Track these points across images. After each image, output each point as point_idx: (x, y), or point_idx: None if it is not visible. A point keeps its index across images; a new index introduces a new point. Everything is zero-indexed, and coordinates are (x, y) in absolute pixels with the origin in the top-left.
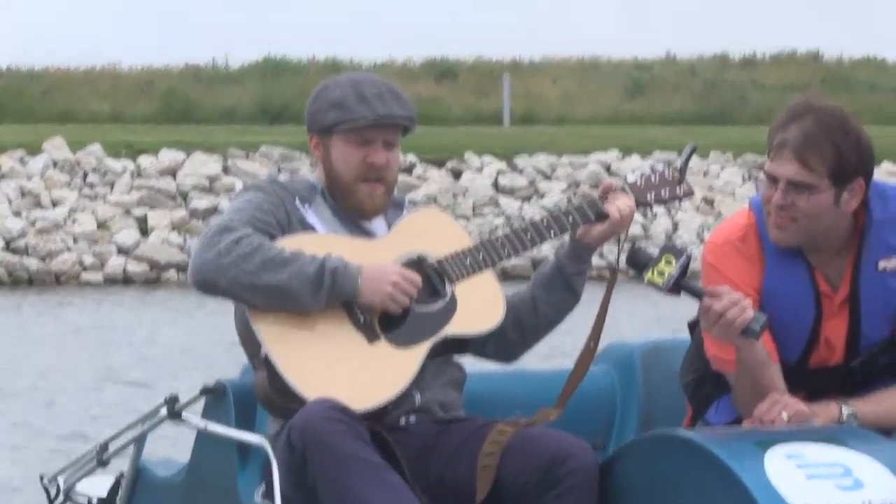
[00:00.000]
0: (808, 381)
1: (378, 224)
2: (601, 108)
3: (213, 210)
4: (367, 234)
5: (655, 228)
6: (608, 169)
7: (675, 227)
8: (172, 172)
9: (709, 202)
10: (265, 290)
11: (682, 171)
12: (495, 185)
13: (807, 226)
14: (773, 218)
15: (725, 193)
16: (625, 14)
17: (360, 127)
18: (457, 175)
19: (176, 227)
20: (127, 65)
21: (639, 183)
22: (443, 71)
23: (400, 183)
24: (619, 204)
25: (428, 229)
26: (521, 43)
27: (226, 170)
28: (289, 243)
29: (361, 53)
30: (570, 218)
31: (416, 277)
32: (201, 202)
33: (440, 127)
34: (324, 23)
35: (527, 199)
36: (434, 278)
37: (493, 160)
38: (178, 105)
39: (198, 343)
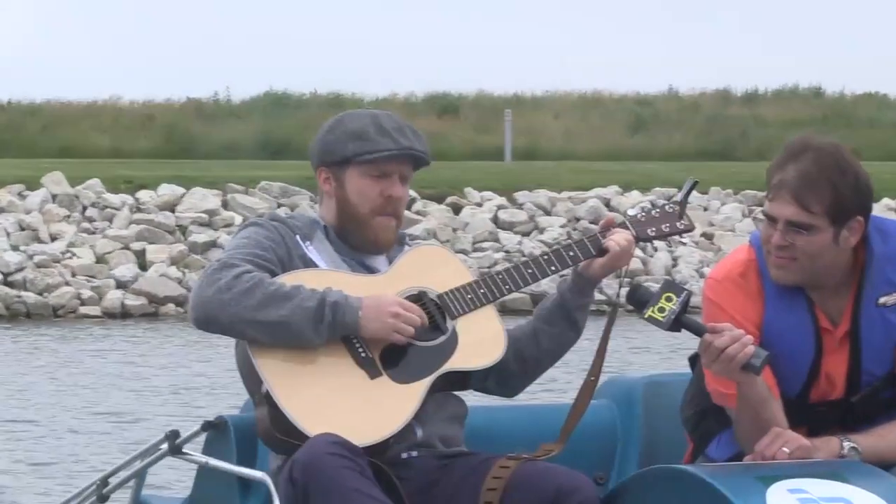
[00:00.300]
0: (809, 415)
1: (379, 260)
2: (603, 143)
3: (212, 244)
4: (369, 270)
5: (655, 264)
6: (608, 204)
7: (675, 262)
8: (171, 207)
9: (708, 237)
10: (266, 326)
11: (683, 205)
12: (495, 220)
13: (807, 264)
14: (773, 258)
15: (725, 229)
16: (627, 49)
17: (381, 159)
18: (456, 210)
19: (175, 261)
20: (128, 99)
21: (640, 217)
22: (445, 106)
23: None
24: (618, 238)
25: (429, 265)
26: (523, 77)
27: (225, 204)
28: (290, 279)
29: (364, 88)
30: (571, 253)
31: (418, 308)
32: (200, 236)
33: (441, 162)
34: (326, 58)
35: (526, 234)
36: (435, 313)
37: (493, 195)
38: (179, 139)
39: (197, 377)
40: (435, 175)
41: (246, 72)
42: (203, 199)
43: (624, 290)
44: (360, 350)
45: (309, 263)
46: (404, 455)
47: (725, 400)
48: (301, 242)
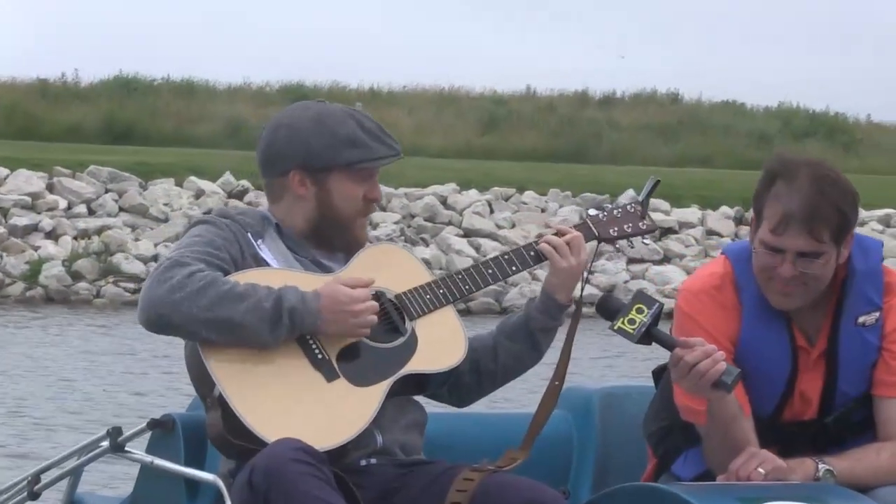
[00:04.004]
0: (781, 435)
1: (334, 258)
2: (454, 140)
3: (34, 228)
4: (323, 268)
5: None
6: (444, 202)
7: None
8: None
9: None
10: (220, 326)
11: (645, 205)
12: None
13: (815, 288)
14: (778, 286)
15: None
16: (490, 47)
17: (378, 165)
18: None
19: None
20: None
21: (601, 217)
22: (298, 97)
23: (231, 208)
24: (550, 238)
25: (386, 264)
26: (382, 71)
27: (50, 188)
28: (243, 278)
29: (217, 75)
30: (532, 252)
31: (374, 303)
32: (21, 220)
33: None
34: (180, 44)
35: None
36: (393, 314)
37: None
38: (21, 120)
39: (10, 361)
40: None
41: (97, 55)
42: (27, 181)
43: (591, 292)
44: (317, 351)
45: (261, 262)
46: (363, 462)
47: (694, 416)
48: (253, 240)
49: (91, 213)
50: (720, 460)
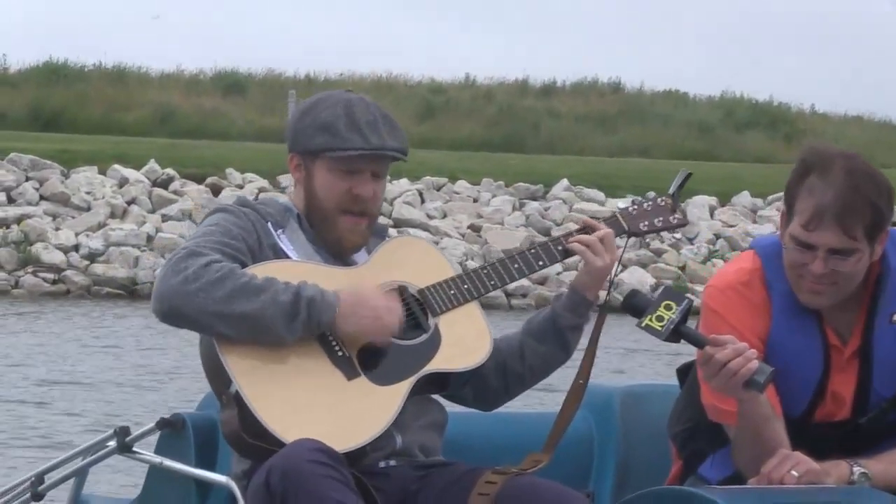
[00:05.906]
0: (812, 436)
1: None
2: None
3: None
4: (345, 261)
5: None
6: None
7: None
8: None
9: (476, 229)
10: (235, 320)
11: (675, 198)
12: None
13: (846, 287)
14: (807, 284)
15: (494, 221)
16: (430, 36)
17: (348, 158)
18: (216, 191)
19: None
20: None
21: (631, 210)
22: (231, 84)
23: (154, 197)
24: (581, 237)
25: (409, 258)
26: (318, 59)
27: None
28: (261, 271)
29: (150, 62)
30: (560, 247)
31: (398, 305)
32: None
33: (206, 141)
34: (112, 31)
35: None
36: (416, 310)
37: (255, 177)
38: None
39: None
40: (199, 154)
41: (27, 41)
42: None
43: (618, 291)
44: (337, 348)
45: (280, 253)
46: (382, 464)
47: (723, 417)
48: (273, 231)
49: (10, 201)
50: (751, 462)
